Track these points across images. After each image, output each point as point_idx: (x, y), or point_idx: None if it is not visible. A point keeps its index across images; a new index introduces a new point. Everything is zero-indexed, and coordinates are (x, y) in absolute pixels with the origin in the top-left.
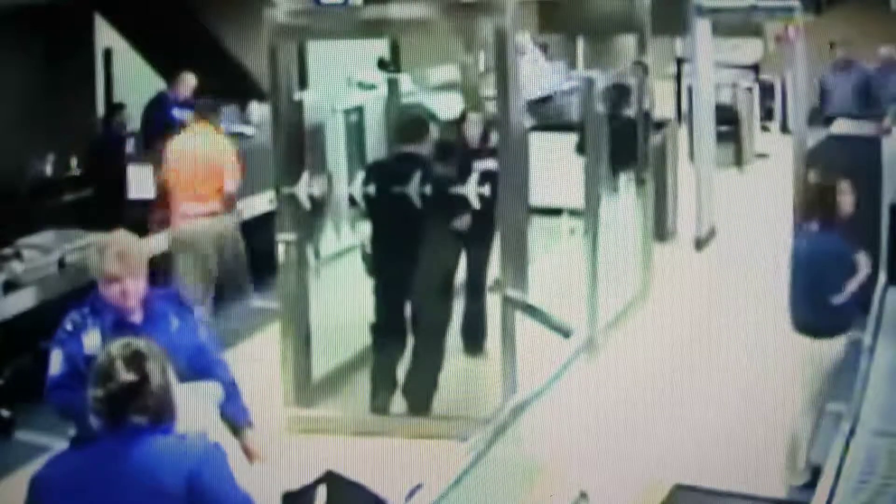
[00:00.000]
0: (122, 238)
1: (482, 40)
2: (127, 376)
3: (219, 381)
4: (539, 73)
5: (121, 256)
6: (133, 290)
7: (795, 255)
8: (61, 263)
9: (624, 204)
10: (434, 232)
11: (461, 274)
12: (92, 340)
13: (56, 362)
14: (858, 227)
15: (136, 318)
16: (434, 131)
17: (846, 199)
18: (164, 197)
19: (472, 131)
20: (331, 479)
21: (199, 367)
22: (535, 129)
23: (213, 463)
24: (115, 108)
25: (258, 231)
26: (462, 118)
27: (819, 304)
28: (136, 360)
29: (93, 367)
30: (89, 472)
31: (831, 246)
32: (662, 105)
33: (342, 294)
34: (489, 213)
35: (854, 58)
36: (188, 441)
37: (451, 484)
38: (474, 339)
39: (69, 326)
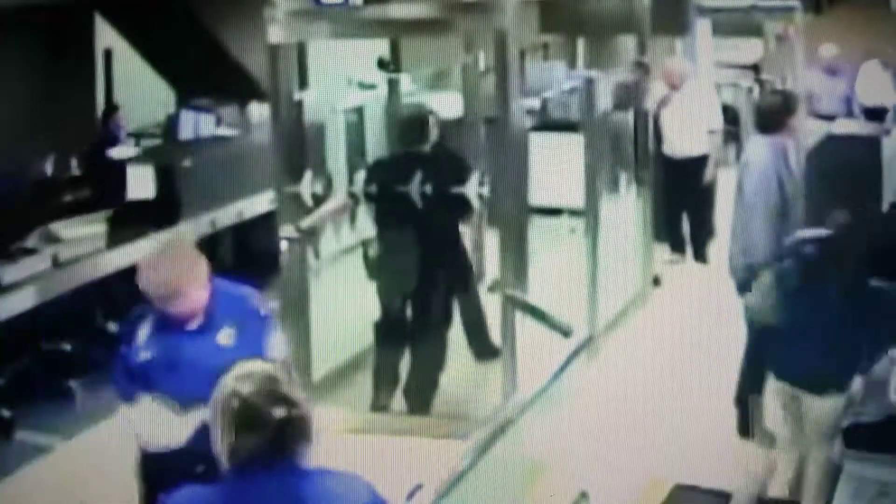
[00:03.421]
0: (175, 243)
1: (482, 40)
2: (275, 415)
3: None
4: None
5: (177, 264)
6: (198, 299)
7: None
8: (55, 262)
9: (624, 204)
10: (434, 231)
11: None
12: (140, 339)
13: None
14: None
15: (193, 324)
16: (434, 131)
17: None
18: None
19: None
20: None
21: None
22: (535, 128)
23: None
24: (109, 110)
25: (258, 231)
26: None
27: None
28: (275, 392)
29: (221, 414)
30: None
31: None
32: None
33: (342, 294)
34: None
35: None
36: (354, 483)
37: (451, 484)
38: (481, 342)
39: (133, 317)
